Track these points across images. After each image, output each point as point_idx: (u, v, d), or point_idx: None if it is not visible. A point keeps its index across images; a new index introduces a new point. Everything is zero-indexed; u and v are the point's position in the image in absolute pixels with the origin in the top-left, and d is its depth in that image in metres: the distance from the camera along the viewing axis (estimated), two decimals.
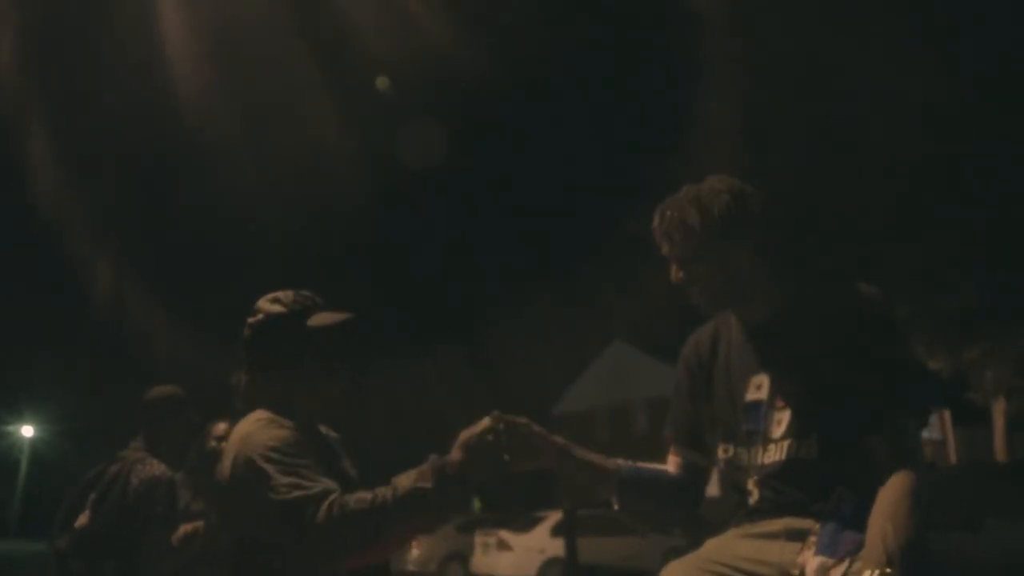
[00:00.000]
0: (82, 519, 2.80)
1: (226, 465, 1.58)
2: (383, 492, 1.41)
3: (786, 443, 1.54)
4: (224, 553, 1.69)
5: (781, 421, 1.55)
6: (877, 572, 1.27)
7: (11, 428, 35.23)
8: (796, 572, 1.42)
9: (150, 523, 2.76)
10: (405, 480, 1.44)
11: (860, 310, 1.54)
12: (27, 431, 35.63)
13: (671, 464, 1.77)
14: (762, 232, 1.61)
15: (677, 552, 1.88)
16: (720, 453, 1.66)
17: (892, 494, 1.38)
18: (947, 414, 24.06)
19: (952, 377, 16.41)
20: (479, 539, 13.97)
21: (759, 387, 1.60)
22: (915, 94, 15.65)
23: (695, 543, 1.68)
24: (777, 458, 1.54)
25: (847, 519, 1.42)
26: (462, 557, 14.42)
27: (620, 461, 1.72)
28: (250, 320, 1.76)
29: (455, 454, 1.47)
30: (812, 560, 1.39)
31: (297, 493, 1.42)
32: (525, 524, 13.83)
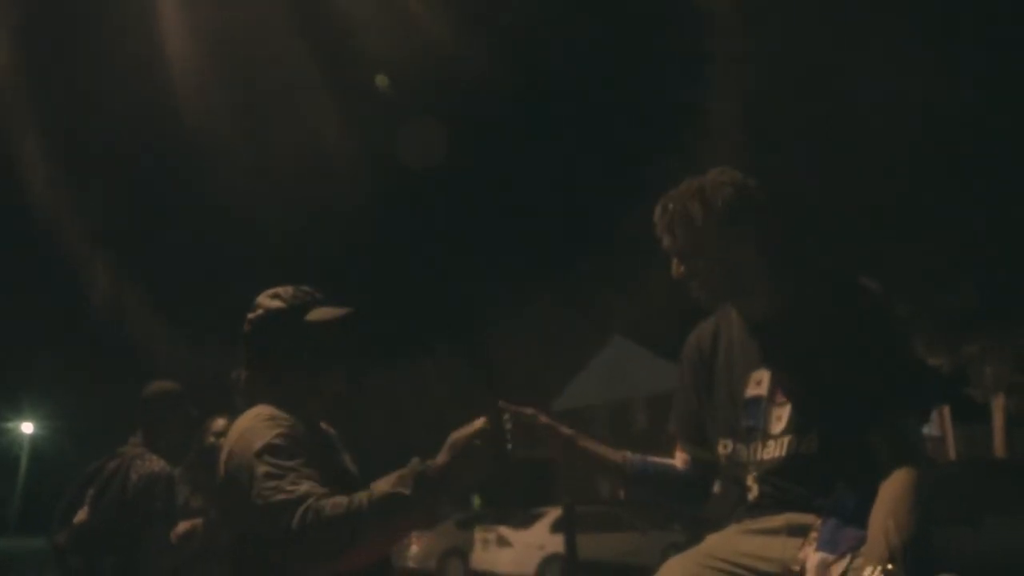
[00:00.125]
0: (81, 515, 2.80)
1: (222, 461, 1.58)
2: (360, 497, 1.38)
3: (786, 439, 1.53)
4: (224, 549, 1.69)
5: (781, 417, 1.55)
6: (879, 568, 1.26)
7: (11, 425, 35.29)
8: (797, 568, 1.42)
9: (149, 519, 2.76)
10: (384, 484, 1.41)
11: (861, 307, 1.53)
12: (27, 428, 35.69)
13: (678, 460, 1.77)
14: (764, 225, 1.61)
15: (677, 548, 1.88)
16: (720, 449, 1.66)
17: (894, 490, 1.38)
18: (946, 410, 24.08)
19: (952, 373, 16.43)
20: (479, 535, 13.97)
21: (759, 383, 1.60)
22: (915, 94, 15.66)
23: (695, 539, 1.68)
24: (777, 454, 1.54)
25: (848, 515, 1.42)
26: (462, 553, 14.42)
27: (628, 453, 1.72)
28: (250, 316, 1.76)
29: (441, 457, 1.44)
30: (813, 556, 1.39)
31: (278, 496, 1.40)
32: (525, 520, 13.83)
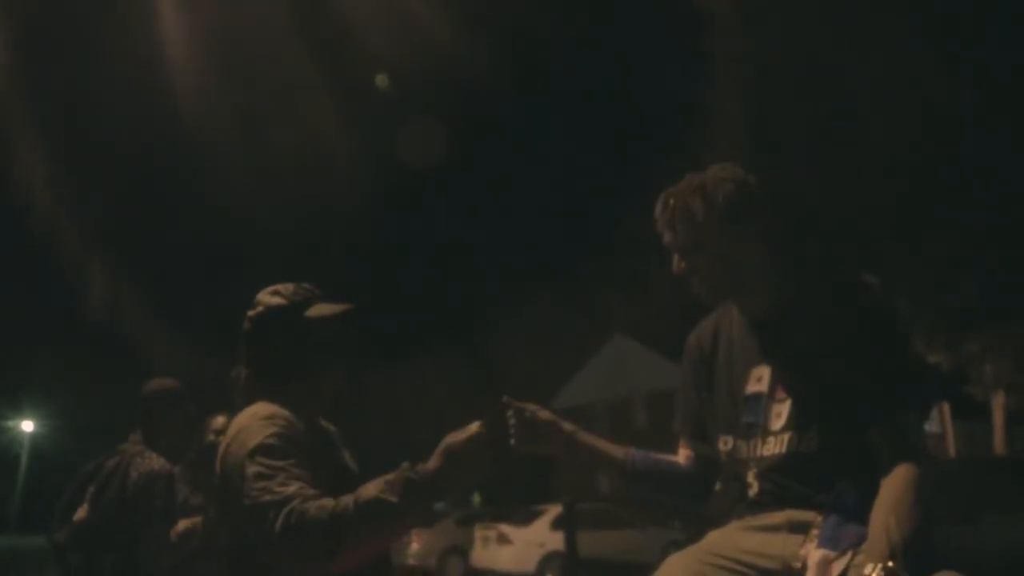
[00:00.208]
0: (81, 513, 2.79)
1: (219, 459, 1.58)
2: (346, 500, 1.37)
3: (786, 436, 1.53)
4: (223, 548, 1.68)
5: (781, 414, 1.55)
6: (880, 565, 1.26)
7: (11, 423, 35.31)
8: (798, 565, 1.42)
9: (149, 517, 2.76)
10: (371, 489, 1.39)
11: (861, 304, 1.53)
12: (27, 426, 35.71)
13: (682, 457, 1.77)
14: (765, 222, 1.61)
15: (677, 545, 1.88)
16: (721, 446, 1.66)
17: (894, 487, 1.37)
18: (946, 408, 24.10)
19: (952, 371, 16.45)
20: (479, 533, 13.97)
21: (759, 379, 1.60)
22: (915, 94, 15.66)
23: (695, 536, 1.67)
24: (777, 451, 1.54)
25: (849, 512, 1.41)
26: (462, 551, 14.43)
27: (632, 449, 1.72)
28: (250, 313, 1.76)
29: (432, 462, 1.43)
30: (814, 553, 1.39)
31: (265, 497, 1.40)
32: (525, 518, 13.83)
